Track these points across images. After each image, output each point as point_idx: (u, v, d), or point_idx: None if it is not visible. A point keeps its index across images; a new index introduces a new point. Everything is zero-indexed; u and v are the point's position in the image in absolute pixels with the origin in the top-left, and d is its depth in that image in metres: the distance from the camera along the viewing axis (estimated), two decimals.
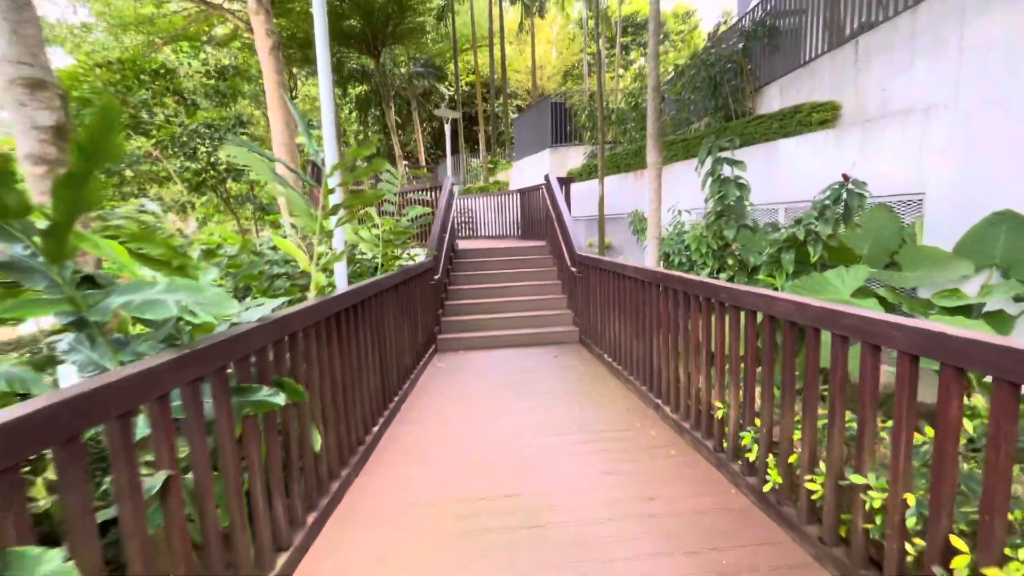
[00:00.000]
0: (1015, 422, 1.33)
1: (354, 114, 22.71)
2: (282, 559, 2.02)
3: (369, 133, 24.96)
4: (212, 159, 7.62)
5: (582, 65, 25.94)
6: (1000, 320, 2.89)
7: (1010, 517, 1.42)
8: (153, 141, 7.56)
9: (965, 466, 1.78)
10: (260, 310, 1.97)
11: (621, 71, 24.31)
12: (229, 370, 1.79)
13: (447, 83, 24.56)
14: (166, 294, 1.47)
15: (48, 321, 3.15)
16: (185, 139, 7.48)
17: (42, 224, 1.49)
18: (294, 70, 17.91)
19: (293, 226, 5.19)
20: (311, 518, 2.29)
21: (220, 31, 14.19)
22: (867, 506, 1.79)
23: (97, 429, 1.32)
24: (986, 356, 1.34)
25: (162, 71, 8.35)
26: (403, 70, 21.37)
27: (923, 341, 1.53)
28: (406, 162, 23.12)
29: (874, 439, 1.83)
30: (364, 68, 19.22)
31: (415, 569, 2.06)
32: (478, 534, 2.28)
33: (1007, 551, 1.36)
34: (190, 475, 1.62)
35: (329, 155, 3.38)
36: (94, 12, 12.24)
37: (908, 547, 1.64)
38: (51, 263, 1.48)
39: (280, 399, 1.87)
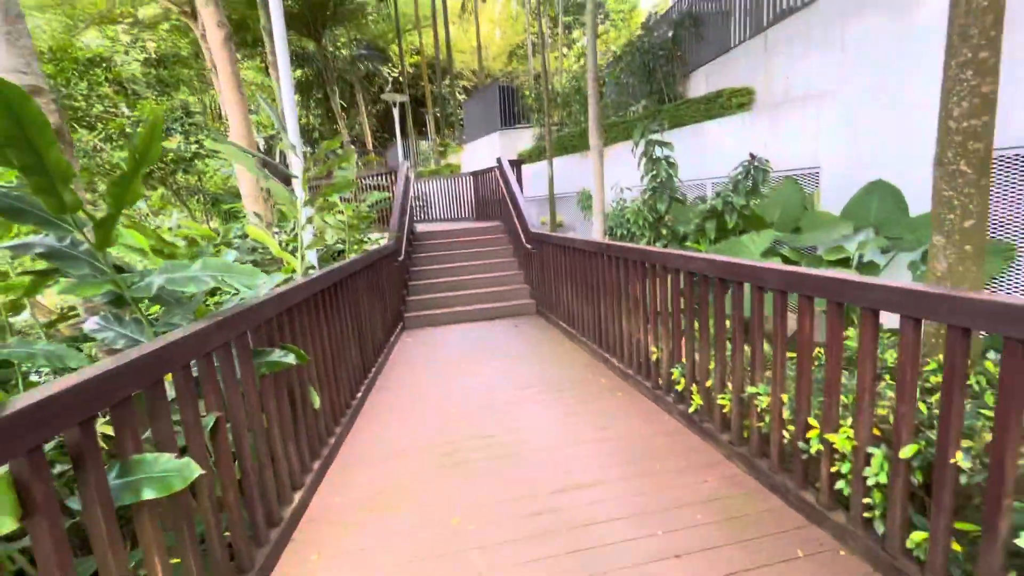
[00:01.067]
0: (841, 333, 1.90)
1: (296, 98, 22.03)
2: (298, 495, 2.39)
3: (311, 118, 24.25)
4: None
5: (526, 45, 26.09)
6: (870, 268, 3.59)
7: (844, 400, 2.01)
8: (97, 134, 7.30)
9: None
10: (267, 285, 2.30)
11: (565, 50, 24.66)
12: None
13: (391, 65, 24.12)
14: (202, 272, 1.80)
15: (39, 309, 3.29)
16: (130, 131, 7.29)
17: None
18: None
19: (257, 215, 5.36)
20: (316, 464, 2.67)
21: (145, 12, 13.42)
22: (758, 408, 2.37)
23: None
24: (821, 285, 1.91)
25: (97, 59, 7.97)
26: (345, 52, 20.85)
27: (787, 279, 2.09)
28: (353, 147, 22.69)
29: (763, 360, 2.41)
30: (305, 51, 18.66)
31: (410, 497, 2.49)
32: (461, 466, 2.74)
33: (840, 421, 1.95)
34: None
35: (296, 147, 3.64)
36: None
37: (784, 433, 2.23)
38: (99, 250, 1.77)
39: (291, 359, 2.23)
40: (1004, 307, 1.31)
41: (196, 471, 1.32)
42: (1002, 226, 3.46)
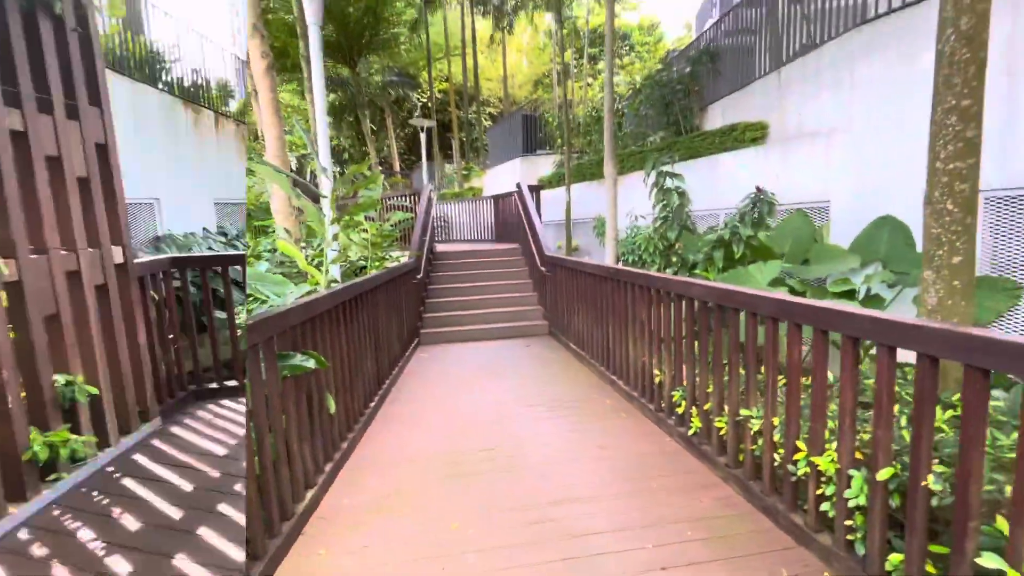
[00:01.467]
0: (826, 359, 2.00)
1: (329, 120, 23.00)
2: (310, 493, 2.54)
3: (342, 139, 25.20)
4: None
5: (552, 74, 26.78)
6: (876, 301, 3.64)
7: (830, 424, 2.09)
8: None
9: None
10: (293, 295, 2.50)
11: (590, 80, 25.25)
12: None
13: (420, 91, 25.03)
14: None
15: None
16: None
17: None
18: None
19: (287, 230, 5.66)
20: (328, 466, 2.82)
21: None
22: (752, 431, 2.45)
23: None
24: (807, 313, 2.01)
25: None
26: (377, 78, 21.79)
27: (779, 307, 2.20)
28: (380, 168, 23.46)
29: (756, 384, 2.50)
30: (339, 76, 19.60)
31: (415, 502, 2.61)
32: (464, 476, 2.86)
33: (826, 446, 2.03)
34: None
35: (327, 169, 3.92)
36: None
37: (775, 456, 2.30)
38: None
39: (311, 364, 2.42)
40: (965, 338, 1.41)
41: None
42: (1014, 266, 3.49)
